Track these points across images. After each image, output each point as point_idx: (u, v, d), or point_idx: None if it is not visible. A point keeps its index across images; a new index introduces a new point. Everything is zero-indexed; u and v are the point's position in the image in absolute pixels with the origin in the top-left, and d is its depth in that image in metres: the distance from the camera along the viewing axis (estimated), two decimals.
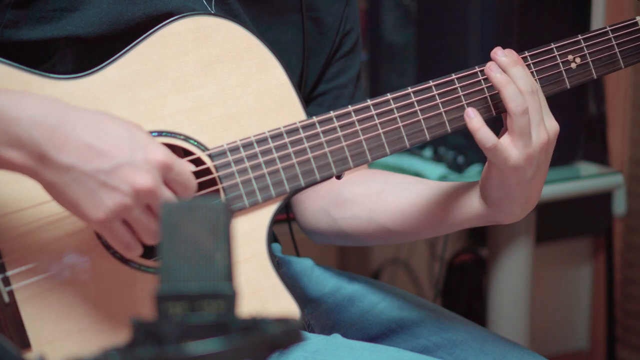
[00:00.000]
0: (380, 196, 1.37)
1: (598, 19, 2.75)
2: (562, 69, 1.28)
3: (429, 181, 1.37)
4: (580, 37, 1.29)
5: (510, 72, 1.21)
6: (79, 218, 1.07)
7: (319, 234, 1.45)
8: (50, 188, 1.05)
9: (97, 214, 1.05)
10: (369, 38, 2.51)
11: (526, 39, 2.16)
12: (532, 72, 1.26)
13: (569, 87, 1.29)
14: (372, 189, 1.39)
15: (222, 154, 1.19)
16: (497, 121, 1.27)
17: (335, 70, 1.45)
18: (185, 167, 1.09)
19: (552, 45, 1.29)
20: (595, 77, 1.30)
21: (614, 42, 1.30)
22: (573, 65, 1.29)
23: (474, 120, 1.21)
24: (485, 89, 1.25)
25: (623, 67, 1.31)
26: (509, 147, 1.20)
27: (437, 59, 2.33)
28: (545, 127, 1.22)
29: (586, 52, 1.29)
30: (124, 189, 1.04)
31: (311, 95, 1.44)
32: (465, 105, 1.24)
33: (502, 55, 1.23)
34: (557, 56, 1.28)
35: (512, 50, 1.24)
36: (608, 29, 1.31)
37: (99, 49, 1.20)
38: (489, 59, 1.24)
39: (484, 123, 1.21)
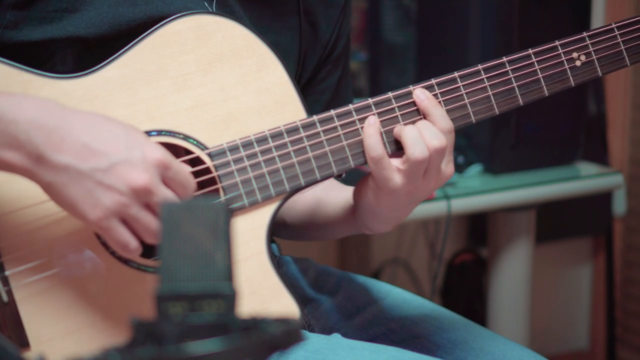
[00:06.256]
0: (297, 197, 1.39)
1: (598, 19, 2.75)
2: (566, 66, 1.27)
3: (333, 188, 1.38)
4: (585, 34, 1.28)
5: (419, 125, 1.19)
6: (77, 218, 1.07)
7: None
8: (48, 188, 1.05)
9: (95, 213, 1.04)
10: (369, 38, 2.51)
11: (526, 39, 2.16)
12: (536, 70, 1.26)
13: (573, 85, 1.28)
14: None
15: (222, 153, 1.18)
16: (496, 120, 1.26)
17: (321, 76, 1.45)
18: (184, 167, 1.09)
19: (557, 43, 1.27)
20: (600, 74, 1.29)
21: (619, 40, 1.29)
22: (578, 63, 1.28)
23: (372, 127, 1.20)
24: (488, 87, 1.25)
25: (629, 64, 1.30)
26: (394, 170, 1.19)
27: (437, 59, 2.33)
28: (441, 175, 1.21)
29: (591, 49, 1.28)
30: (121, 187, 1.04)
31: None
32: (467, 104, 1.24)
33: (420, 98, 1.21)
34: (562, 54, 1.27)
35: (430, 96, 1.22)
36: (614, 25, 1.30)
37: (100, 50, 1.20)
38: (489, 59, 1.24)
39: (380, 133, 1.20)
